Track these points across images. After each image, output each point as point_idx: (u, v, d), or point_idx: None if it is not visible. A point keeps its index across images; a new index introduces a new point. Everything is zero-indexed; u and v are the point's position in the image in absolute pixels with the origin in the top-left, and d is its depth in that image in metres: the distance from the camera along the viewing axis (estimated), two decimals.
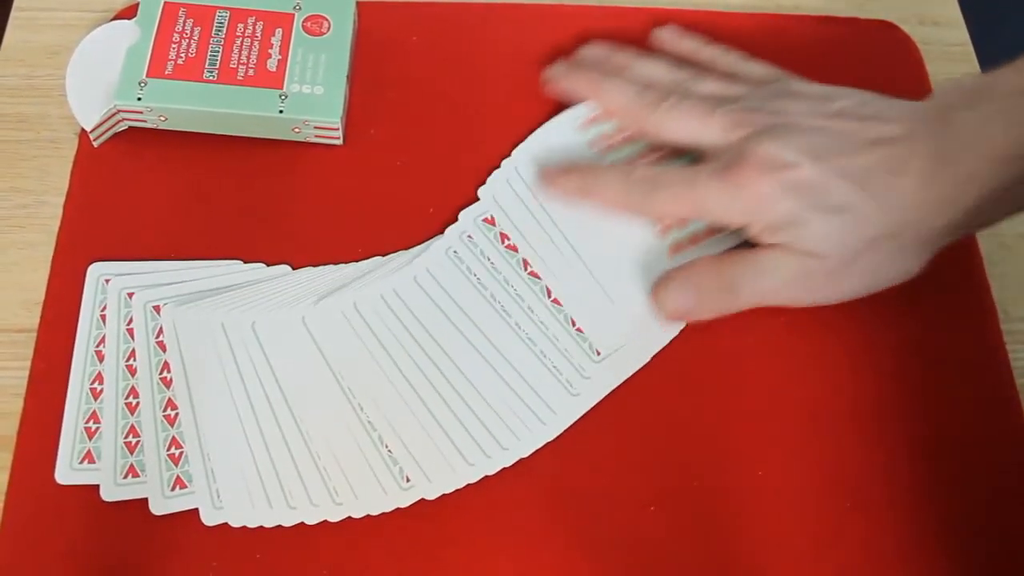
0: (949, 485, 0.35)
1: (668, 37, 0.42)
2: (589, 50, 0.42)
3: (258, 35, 0.40)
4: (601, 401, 0.36)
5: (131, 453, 0.34)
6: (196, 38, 0.40)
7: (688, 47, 0.42)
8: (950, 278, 0.38)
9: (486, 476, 0.34)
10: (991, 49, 0.46)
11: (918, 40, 0.45)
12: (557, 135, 0.40)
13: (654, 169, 0.38)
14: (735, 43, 0.43)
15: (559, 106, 0.41)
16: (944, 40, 0.45)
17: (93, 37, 0.40)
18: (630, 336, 0.37)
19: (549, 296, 0.37)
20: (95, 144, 0.39)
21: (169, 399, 0.35)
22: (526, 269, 0.37)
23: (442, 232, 0.38)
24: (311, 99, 0.39)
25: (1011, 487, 0.36)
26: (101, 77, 0.39)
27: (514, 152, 0.40)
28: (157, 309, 0.36)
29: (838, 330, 0.37)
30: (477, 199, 0.39)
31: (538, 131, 0.40)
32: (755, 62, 0.40)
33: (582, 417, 0.35)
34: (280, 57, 0.40)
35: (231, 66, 0.39)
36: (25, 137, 0.40)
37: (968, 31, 0.46)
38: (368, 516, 0.33)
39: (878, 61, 0.44)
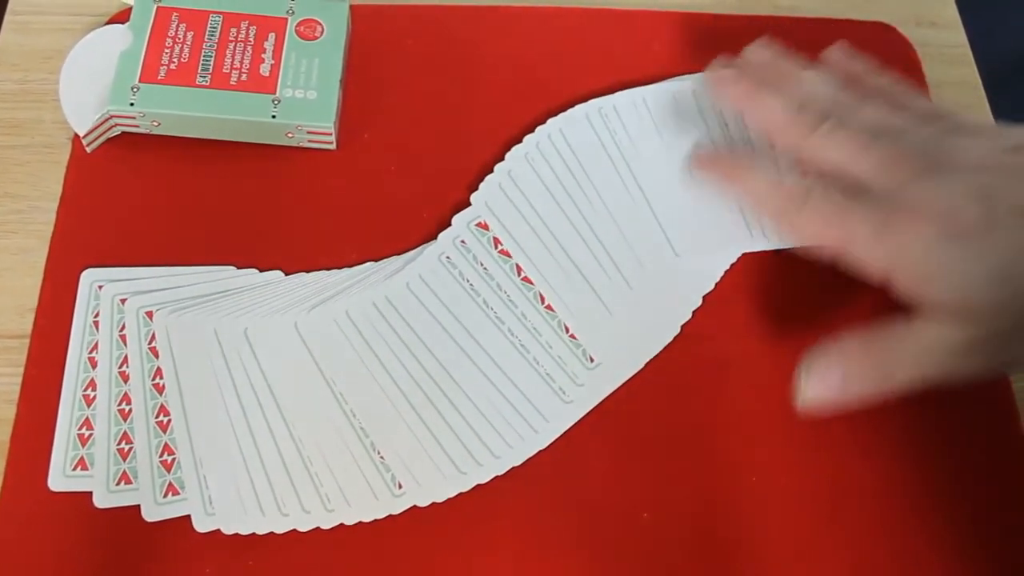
0: (948, 488, 0.35)
1: (836, 56, 0.39)
2: (753, 52, 0.39)
3: (251, 40, 0.40)
4: (594, 408, 0.36)
5: (124, 460, 0.34)
6: (189, 43, 0.40)
7: (859, 68, 0.38)
8: None
9: (478, 484, 0.34)
10: (989, 51, 0.46)
11: (915, 42, 0.44)
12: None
13: (806, 184, 0.34)
14: (731, 45, 0.43)
15: (553, 110, 0.41)
16: (942, 42, 0.45)
17: (86, 42, 0.40)
18: (624, 342, 0.37)
19: (542, 302, 0.37)
20: (88, 149, 0.39)
21: (162, 405, 0.35)
22: (519, 275, 0.37)
23: (435, 237, 0.38)
24: (304, 104, 0.39)
25: (1010, 489, 0.35)
26: (94, 82, 0.39)
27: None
28: (150, 315, 0.36)
29: (832, 335, 0.37)
30: (471, 204, 0.39)
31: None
32: (923, 97, 0.37)
33: (575, 424, 0.35)
34: (273, 62, 0.40)
35: (224, 71, 0.39)
36: (18, 142, 0.40)
37: (966, 33, 0.46)
38: (360, 523, 0.33)
39: (875, 63, 0.43)
